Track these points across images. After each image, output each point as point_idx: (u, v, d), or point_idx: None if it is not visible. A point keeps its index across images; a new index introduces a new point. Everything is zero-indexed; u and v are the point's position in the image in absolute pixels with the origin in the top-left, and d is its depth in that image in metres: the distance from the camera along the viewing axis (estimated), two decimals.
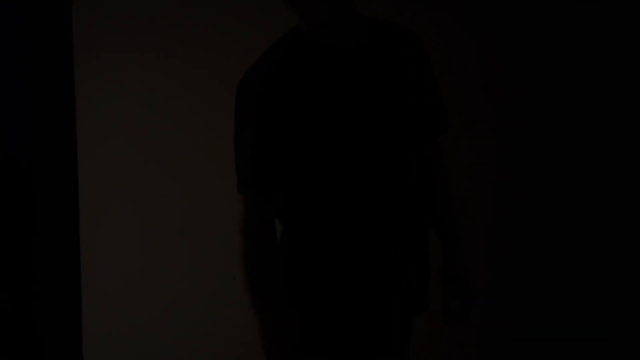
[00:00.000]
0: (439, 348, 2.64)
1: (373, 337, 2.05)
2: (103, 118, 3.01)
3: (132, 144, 2.99)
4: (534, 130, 2.49)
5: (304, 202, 1.99)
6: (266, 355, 2.06)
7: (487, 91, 2.54)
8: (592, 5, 2.40)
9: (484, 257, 2.58)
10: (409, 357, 2.19)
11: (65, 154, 1.69)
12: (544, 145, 2.48)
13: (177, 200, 2.97)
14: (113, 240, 3.05)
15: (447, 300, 2.24)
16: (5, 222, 1.61)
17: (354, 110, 1.94)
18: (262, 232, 1.99)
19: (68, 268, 1.69)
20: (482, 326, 2.58)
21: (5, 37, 1.59)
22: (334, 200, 1.97)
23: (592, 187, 2.46)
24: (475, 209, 2.56)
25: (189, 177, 2.94)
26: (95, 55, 2.99)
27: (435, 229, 2.23)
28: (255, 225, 1.98)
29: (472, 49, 2.54)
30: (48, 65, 1.64)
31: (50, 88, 1.64)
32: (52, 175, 1.65)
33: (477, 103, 2.54)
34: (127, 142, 3.00)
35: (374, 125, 1.96)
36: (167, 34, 2.90)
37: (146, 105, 2.96)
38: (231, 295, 2.90)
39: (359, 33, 1.99)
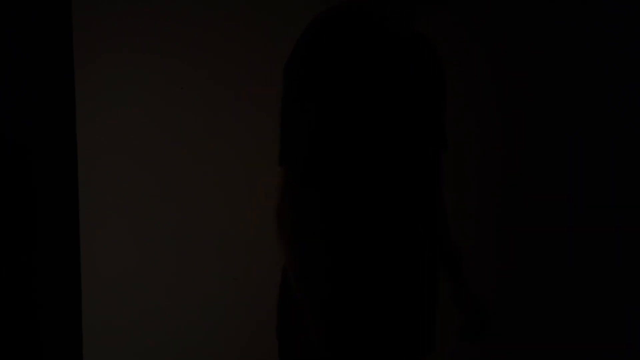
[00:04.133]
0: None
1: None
2: (103, 118, 3.01)
3: (132, 144, 2.99)
4: (538, 133, 2.49)
5: (333, 191, 1.94)
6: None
7: (492, 93, 2.54)
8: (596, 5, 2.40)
9: (489, 260, 2.58)
10: None
11: (65, 154, 1.69)
12: (547, 148, 2.48)
13: (177, 200, 2.97)
14: (113, 240, 3.05)
15: (462, 325, 2.17)
16: (4, 222, 1.61)
17: (400, 100, 1.91)
18: (307, 202, 1.93)
19: (68, 268, 1.69)
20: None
21: (4, 37, 1.59)
22: (361, 192, 1.91)
23: (597, 191, 2.46)
24: (480, 213, 2.56)
25: (189, 177, 2.94)
26: (95, 55, 2.99)
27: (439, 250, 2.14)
28: (299, 195, 1.92)
29: (476, 50, 2.54)
30: (48, 65, 1.64)
31: (50, 88, 1.64)
32: (52, 175, 1.64)
33: (483, 105, 2.54)
34: (126, 142, 3.00)
35: (409, 120, 1.93)
36: (167, 34, 2.90)
37: (146, 105, 2.96)
38: (231, 295, 2.91)
39: (407, 25, 1.96)
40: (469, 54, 2.53)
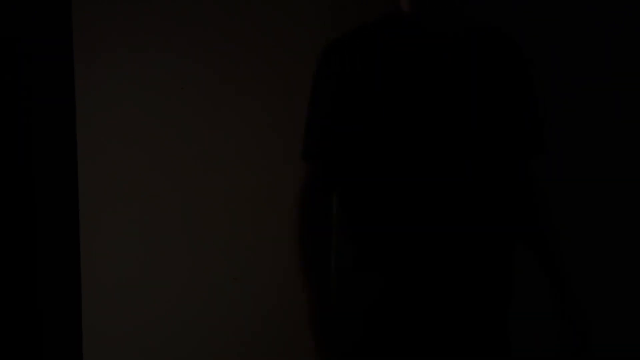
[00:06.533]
0: None
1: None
2: (103, 118, 3.01)
3: (132, 144, 2.99)
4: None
5: (361, 190, 1.91)
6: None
7: None
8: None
9: None
10: None
11: (65, 154, 1.68)
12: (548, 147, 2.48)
13: (177, 200, 2.96)
14: (113, 240, 3.04)
15: (563, 341, 2.06)
16: (4, 222, 1.60)
17: (428, 99, 1.84)
18: (316, 201, 1.94)
19: (68, 268, 1.69)
20: None
21: (4, 37, 1.58)
22: (389, 196, 1.88)
23: (597, 191, 2.46)
24: None
25: (190, 177, 2.94)
26: (95, 55, 2.99)
27: (538, 263, 2.09)
28: (311, 193, 1.95)
29: None
30: (47, 65, 1.64)
31: (49, 88, 1.64)
32: (52, 175, 1.64)
33: None
34: (127, 142, 3.00)
35: (447, 121, 1.85)
36: (167, 34, 2.90)
37: (146, 105, 2.96)
38: (231, 295, 2.90)
39: (454, 23, 1.89)
40: None
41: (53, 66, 1.64)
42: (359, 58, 1.86)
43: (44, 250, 1.62)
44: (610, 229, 2.46)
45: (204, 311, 2.97)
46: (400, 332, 1.91)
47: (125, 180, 3.02)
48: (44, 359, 1.60)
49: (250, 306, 2.88)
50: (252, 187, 2.85)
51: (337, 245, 1.98)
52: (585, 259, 2.48)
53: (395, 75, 1.85)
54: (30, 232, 1.59)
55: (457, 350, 1.92)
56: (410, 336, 1.91)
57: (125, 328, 3.06)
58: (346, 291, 1.98)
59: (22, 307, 1.60)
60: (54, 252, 1.64)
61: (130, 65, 2.96)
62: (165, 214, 2.99)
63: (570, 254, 2.50)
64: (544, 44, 2.46)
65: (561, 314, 2.04)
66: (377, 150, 1.86)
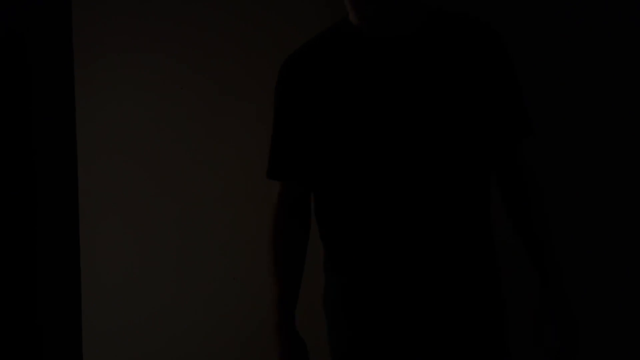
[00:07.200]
0: None
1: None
2: (103, 118, 3.01)
3: (132, 145, 2.99)
4: (538, 133, 2.50)
5: (330, 203, 1.93)
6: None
7: None
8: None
9: None
10: None
11: (65, 154, 1.69)
12: (548, 148, 2.48)
13: (177, 201, 2.97)
14: (113, 240, 3.05)
15: (545, 342, 1.93)
16: (4, 223, 1.61)
17: (382, 105, 1.82)
18: (278, 217, 1.99)
19: (68, 268, 1.69)
20: None
21: (4, 37, 1.59)
22: (357, 206, 1.86)
23: (597, 191, 2.46)
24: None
25: (189, 177, 2.94)
26: (96, 55, 2.99)
27: (528, 257, 1.97)
28: (274, 209, 2.01)
29: None
30: (47, 65, 1.64)
31: (49, 88, 1.64)
32: (52, 175, 1.65)
33: None
34: (126, 142, 3.00)
35: (407, 123, 1.81)
36: (167, 34, 2.90)
37: (146, 106, 2.96)
38: (231, 295, 2.90)
39: (408, 22, 1.85)
40: None
41: (53, 68, 1.64)
42: (310, 73, 1.89)
43: (44, 250, 1.62)
44: (607, 226, 2.47)
45: (204, 311, 2.97)
46: (363, 335, 1.89)
47: (124, 180, 3.02)
48: (44, 359, 1.60)
49: (250, 306, 2.88)
50: (251, 187, 2.85)
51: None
52: (585, 259, 2.49)
53: (345, 86, 1.85)
54: (30, 232, 1.59)
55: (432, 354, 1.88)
56: (375, 341, 1.89)
57: (125, 328, 3.06)
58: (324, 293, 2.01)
59: (22, 307, 1.60)
60: (54, 252, 1.65)
61: (130, 65, 2.96)
62: (165, 214, 2.99)
63: (564, 251, 2.50)
64: (539, 38, 2.47)
65: (544, 312, 1.92)
66: (341, 159, 1.86)
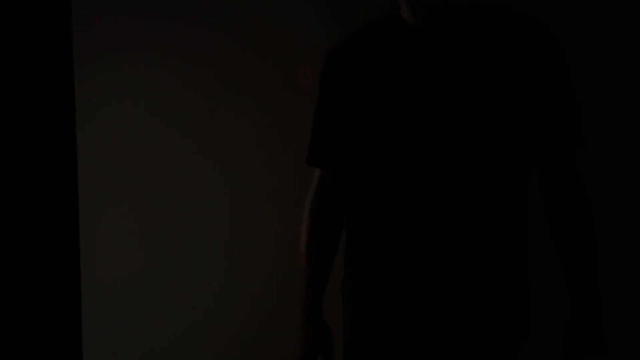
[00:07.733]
0: None
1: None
2: (103, 118, 3.01)
3: (132, 144, 2.99)
4: None
5: (360, 196, 1.90)
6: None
7: None
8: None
9: None
10: None
11: (65, 154, 1.68)
12: None
13: (177, 200, 2.97)
14: (113, 240, 3.05)
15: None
16: (4, 223, 1.61)
17: (427, 102, 1.77)
18: (315, 205, 1.99)
19: (68, 268, 1.69)
20: None
21: (3, 37, 1.59)
22: (388, 201, 1.83)
23: (597, 191, 2.46)
24: None
25: (189, 177, 2.94)
26: (96, 55, 2.99)
27: (564, 276, 1.87)
28: (310, 197, 2.00)
29: None
30: (47, 65, 1.64)
31: (49, 88, 1.64)
32: (52, 175, 1.64)
33: None
34: (126, 142, 3.00)
35: (450, 122, 1.76)
36: (167, 34, 2.90)
37: (146, 105, 2.96)
38: (231, 295, 2.90)
39: (454, 18, 1.78)
40: None
41: (53, 67, 1.64)
42: (358, 63, 1.85)
43: (44, 250, 1.62)
44: (607, 226, 2.46)
45: (204, 311, 2.97)
46: (380, 336, 1.89)
47: (125, 180, 3.02)
48: (44, 359, 1.60)
49: (250, 306, 2.88)
50: (252, 187, 2.85)
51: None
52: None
53: (393, 81, 1.81)
54: (30, 231, 1.59)
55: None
56: (393, 343, 1.88)
57: (125, 328, 3.07)
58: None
59: (22, 307, 1.60)
60: (54, 252, 1.65)
61: (131, 65, 2.97)
62: (165, 213, 2.99)
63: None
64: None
65: (573, 353, 1.83)
66: (382, 152, 1.83)
